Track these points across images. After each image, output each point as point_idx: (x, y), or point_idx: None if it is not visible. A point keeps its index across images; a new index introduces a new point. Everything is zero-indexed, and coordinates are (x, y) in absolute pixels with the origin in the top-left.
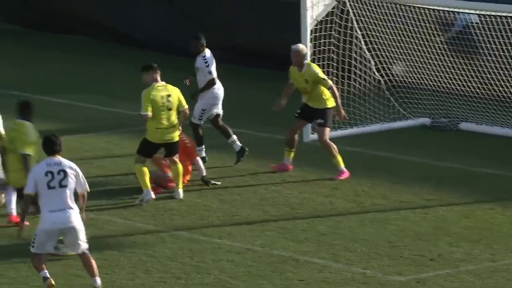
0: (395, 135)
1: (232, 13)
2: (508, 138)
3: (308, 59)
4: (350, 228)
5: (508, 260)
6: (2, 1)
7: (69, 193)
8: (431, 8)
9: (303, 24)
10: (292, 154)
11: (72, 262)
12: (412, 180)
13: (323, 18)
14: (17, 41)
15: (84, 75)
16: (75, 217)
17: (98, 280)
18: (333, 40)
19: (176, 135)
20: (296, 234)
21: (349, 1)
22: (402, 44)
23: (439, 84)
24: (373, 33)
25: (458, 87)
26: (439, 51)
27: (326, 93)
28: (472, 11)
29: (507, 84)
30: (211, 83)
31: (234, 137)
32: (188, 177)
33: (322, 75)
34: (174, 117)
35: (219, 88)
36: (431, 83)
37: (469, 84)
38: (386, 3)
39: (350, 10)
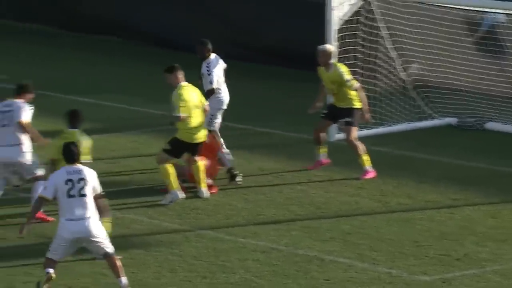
0: (420, 134)
1: (260, 13)
2: None
3: (335, 59)
4: (375, 228)
5: None
6: (33, 3)
7: (88, 201)
8: (458, 8)
9: (329, 23)
10: (324, 149)
11: (98, 261)
12: (438, 180)
13: (349, 17)
14: (48, 42)
15: (112, 75)
16: (94, 225)
17: (124, 280)
18: (358, 39)
19: (204, 135)
20: (321, 233)
21: (375, 1)
22: (428, 44)
23: (465, 83)
24: (399, 32)
25: (485, 87)
26: (465, 50)
27: (353, 94)
28: (499, 10)
29: None
30: (210, 92)
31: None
32: (215, 190)
33: (347, 76)
34: (202, 116)
35: (223, 93)
36: (457, 82)
37: (495, 83)
38: (412, 2)
39: (376, 10)
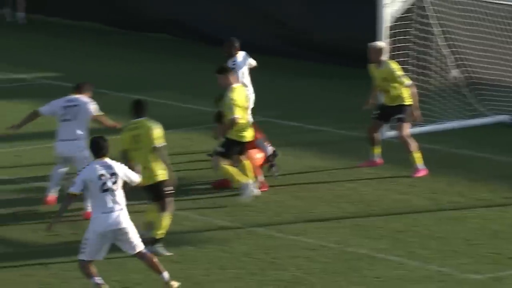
0: (473, 132)
1: (310, 10)
2: None
3: (386, 56)
4: (426, 226)
5: None
6: (85, 1)
7: (120, 195)
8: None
9: (381, 21)
10: (377, 150)
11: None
12: (490, 178)
13: (401, 14)
14: (100, 40)
15: (164, 72)
16: (125, 218)
17: (166, 275)
18: (410, 36)
19: (252, 134)
20: (371, 231)
21: None
22: (480, 40)
23: None
24: (451, 29)
25: None
26: None
27: (405, 92)
28: None
29: None
30: None
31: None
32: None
33: (399, 72)
34: (248, 116)
35: (248, 91)
36: (510, 80)
37: None
38: None
39: (428, 6)
